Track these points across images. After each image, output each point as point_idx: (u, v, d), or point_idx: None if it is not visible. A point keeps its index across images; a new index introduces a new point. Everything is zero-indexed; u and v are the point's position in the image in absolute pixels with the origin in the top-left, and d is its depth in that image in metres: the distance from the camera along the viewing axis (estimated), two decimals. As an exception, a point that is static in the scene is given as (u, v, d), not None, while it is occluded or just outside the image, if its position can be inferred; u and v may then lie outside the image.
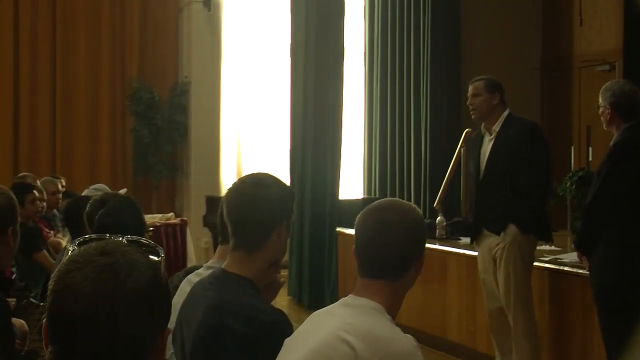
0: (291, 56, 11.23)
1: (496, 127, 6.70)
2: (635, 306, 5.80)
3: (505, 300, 6.67)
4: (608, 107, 5.91)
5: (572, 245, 6.31)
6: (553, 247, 7.55)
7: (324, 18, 10.94)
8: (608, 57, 11.62)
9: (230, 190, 3.11)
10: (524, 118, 7.17)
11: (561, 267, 6.82)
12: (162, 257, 1.82)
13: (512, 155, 6.58)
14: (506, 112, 6.74)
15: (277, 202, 3.04)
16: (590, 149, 11.40)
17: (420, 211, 2.82)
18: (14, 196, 3.48)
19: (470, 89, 6.83)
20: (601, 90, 6.04)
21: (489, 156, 6.72)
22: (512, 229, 6.59)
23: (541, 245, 6.95)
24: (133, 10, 13.60)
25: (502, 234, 6.64)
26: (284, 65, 11.83)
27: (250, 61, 13.50)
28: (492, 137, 6.73)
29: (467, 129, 10.11)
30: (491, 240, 6.76)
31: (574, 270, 6.67)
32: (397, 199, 2.98)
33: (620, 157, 5.79)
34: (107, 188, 7.48)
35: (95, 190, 6.96)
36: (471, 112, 6.83)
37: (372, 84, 12.30)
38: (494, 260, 6.77)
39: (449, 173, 9.97)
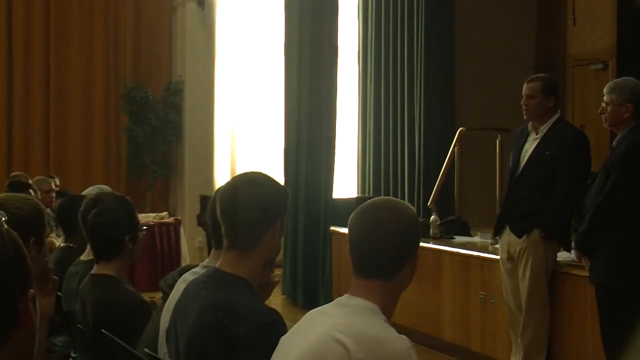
0: (285, 55, 11.22)
1: (544, 129, 6.66)
2: (637, 308, 5.81)
3: (522, 302, 6.75)
4: (629, 104, 5.83)
5: (573, 244, 6.29)
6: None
7: (317, 17, 10.93)
8: (601, 56, 11.64)
9: (223, 189, 3.11)
10: (572, 125, 7.17)
11: (556, 267, 6.82)
12: (4, 217, 1.70)
13: (553, 159, 6.55)
14: (557, 115, 6.69)
15: (270, 201, 3.03)
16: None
17: (414, 209, 2.81)
18: (42, 207, 3.44)
19: (525, 89, 6.73)
20: (611, 87, 5.97)
21: (530, 156, 6.70)
22: (534, 234, 6.61)
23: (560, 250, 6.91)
24: (127, 9, 13.60)
25: (524, 236, 6.66)
26: (278, 64, 11.82)
27: (244, 60, 13.50)
28: (537, 137, 6.70)
29: (460, 128, 10.12)
30: (511, 239, 6.79)
31: (567, 269, 6.68)
32: (390, 197, 2.98)
33: (635, 159, 5.75)
34: (109, 189, 7.45)
35: (98, 189, 6.93)
36: (524, 113, 6.76)
37: (366, 82, 12.31)
38: (512, 259, 6.80)
39: (443, 172, 9.96)
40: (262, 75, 13.46)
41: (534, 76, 6.88)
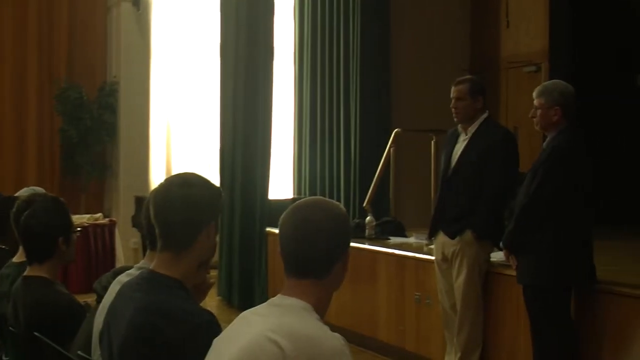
0: (221, 55, 11.19)
1: (472, 129, 6.73)
2: (565, 307, 5.89)
3: (457, 302, 6.81)
4: (557, 107, 5.89)
5: (501, 244, 6.36)
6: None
7: (253, 17, 10.92)
8: (534, 58, 11.78)
9: (156, 191, 3.09)
10: (499, 125, 7.26)
11: (490, 268, 6.88)
12: None
13: (481, 160, 6.62)
14: (485, 115, 6.78)
15: (204, 202, 3.02)
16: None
17: (343, 208, 2.81)
18: None
19: (454, 91, 6.79)
20: (540, 90, 6.01)
21: (459, 157, 6.77)
22: (467, 235, 6.67)
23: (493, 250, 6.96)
24: (61, 9, 13.44)
25: (457, 237, 6.72)
26: (214, 64, 11.79)
27: (180, 61, 13.44)
28: (466, 137, 6.77)
29: (396, 129, 10.18)
30: (445, 240, 6.84)
31: (500, 269, 6.75)
32: (320, 197, 2.98)
33: (561, 160, 5.81)
34: (43, 191, 7.37)
35: (32, 191, 6.84)
36: (454, 115, 6.81)
37: (302, 83, 12.31)
38: (446, 260, 6.85)
39: (379, 173, 10.02)
40: (198, 75, 13.41)
41: (461, 78, 6.93)
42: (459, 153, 6.78)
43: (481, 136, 6.69)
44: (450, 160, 6.86)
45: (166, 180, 3.13)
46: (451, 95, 6.81)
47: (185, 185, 3.02)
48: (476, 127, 6.73)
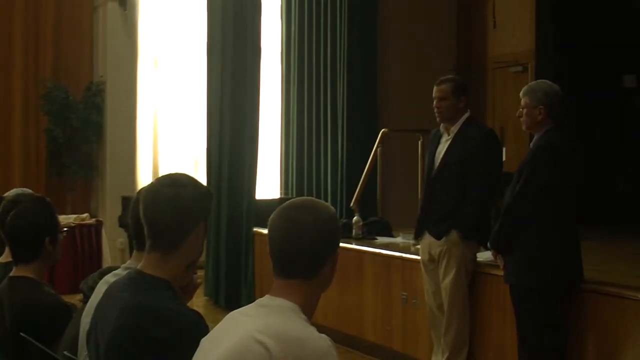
0: (208, 55, 11.18)
1: (454, 129, 6.73)
2: (552, 307, 5.90)
3: (444, 302, 6.82)
4: (541, 107, 5.90)
5: (488, 244, 6.37)
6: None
7: (240, 17, 10.91)
8: (521, 58, 11.81)
9: (146, 191, 3.08)
10: (482, 124, 7.25)
11: (476, 267, 6.89)
12: None
13: (465, 159, 6.62)
14: (467, 115, 6.78)
15: (194, 202, 3.02)
16: (504, 149, 11.55)
17: (333, 209, 2.81)
18: None
19: (436, 91, 6.78)
20: (525, 90, 6.03)
21: (443, 157, 6.76)
22: (453, 235, 6.67)
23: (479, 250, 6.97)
24: (47, 8, 13.39)
25: (443, 238, 6.72)
26: (201, 64, 11.77)
27: (167, 60, 13.42)
28: (449, 137, 6.76)
29: (383, 129, 10.18)
30: (431, 241, 6.84)
31: (487, 269, 6.76)
32: (309, 197, 2.98)
33: (545, 160, 5.83)
34: (31, 192, 7.33)
35: (22, 191, 6.81)
36: (436, 115, 6.81)
37: (289, 83, 12.30)
38: (433, 260, 6.86)
39: (366, 173, 10.02)
40: (185, 75, 13.39)
41: (444, 78, 6.91)
42: (442, 154, 6.78)
43: (463, 136, 6.70)
44: (433, 161, 6.86)
45: (156, 180, 3.13)
46: (433, 95, 6.81)
47: (174, 186, 3.02)
48: (458, 127, 6.73)
